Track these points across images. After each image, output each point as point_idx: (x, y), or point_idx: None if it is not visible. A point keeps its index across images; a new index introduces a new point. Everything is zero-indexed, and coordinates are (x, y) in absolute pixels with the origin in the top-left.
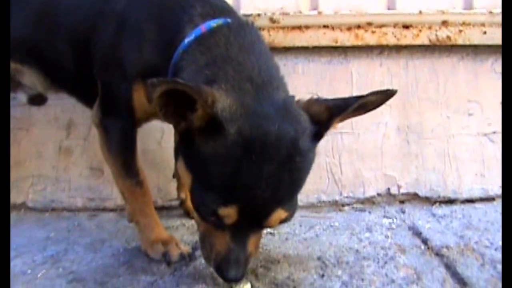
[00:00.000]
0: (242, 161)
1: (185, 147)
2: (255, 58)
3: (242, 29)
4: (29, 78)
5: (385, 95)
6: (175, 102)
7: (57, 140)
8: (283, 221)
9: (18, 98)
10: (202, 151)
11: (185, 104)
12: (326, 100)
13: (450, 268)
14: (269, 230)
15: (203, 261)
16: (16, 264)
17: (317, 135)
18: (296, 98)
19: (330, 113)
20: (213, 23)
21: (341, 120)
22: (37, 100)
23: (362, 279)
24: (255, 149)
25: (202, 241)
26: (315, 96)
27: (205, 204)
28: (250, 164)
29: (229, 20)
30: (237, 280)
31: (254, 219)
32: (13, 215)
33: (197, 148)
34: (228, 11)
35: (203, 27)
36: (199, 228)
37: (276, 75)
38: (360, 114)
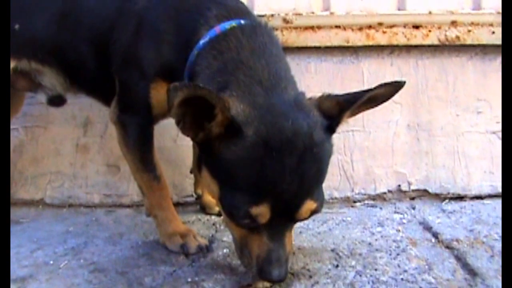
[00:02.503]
0: (264, 159)
1: (206, 156)
2: (265, 61)
3: (254, 31)
4: (49, 79)
5: (393, 87)
6: (192, 113)
7: (75, 138)
8: (314, 212)
9: (38, 99)
10: (224, 157)
11: (202, 114)
12: (336, 95)
13: (460, 259)
14: None
15: (220, 252)
16: (38, 256)
17: (330, 128)
18: (308, 96)
19: (340, 107)
20: (227, 25)
21: (353, 114)
22: (56, 101)
23: (376, 269)
24: (274, 145)
25: (240, 249)
26: (326, 93)
27: (236, 207)
28: (272, 161)
29: (242, 21)
30: (282, 280)
31: (286, 214)
32: (31, 211)
33: (218, 155)
34: (243, 12)
35: (218, 29)
36: (235, 236)
37: (285, 75)
38: (371, 107)
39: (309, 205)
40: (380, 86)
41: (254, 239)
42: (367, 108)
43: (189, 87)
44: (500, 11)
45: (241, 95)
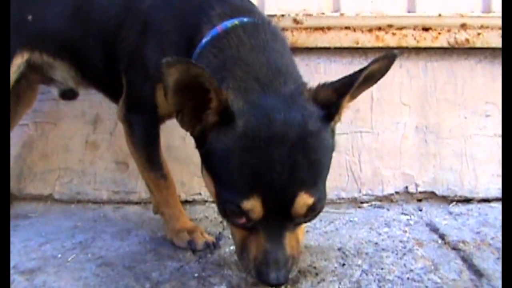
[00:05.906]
0: (252, 150)
1: (202, 152)
2: (264, 58)
3: (256, 29)
4: (60, 73)
5: (387, 60)
6: (191, 105)
7: (84, 135)
8: (312, 208)
9: (51, 94)
10: (215, 148)
11: (201, 106)
12: (332, 83)
13: (466, 260)
14: None
15: (227, 249)
16: (46, 249)
17: (328, 118)
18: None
19: (338, 93)
20: (229, 23)
21: (353, 97)
22: (69, 95)
23: (382, 268)
24: (263, 136)
25: (240, 253)
26: (321, 83)
27: (228, 202)
28: (261, 151)
29: (245, 19)
30: (280, 284)
31: (280, 210)
32: (40, 206)
33: (211, 147)
34: (247, 10)
35: (220, 28)
36: (236, 240)
37: (286, 70)
38: (371, 85)
39: (304, 198)
40: (374, 62)
41: (252, 241)
42: (366, 87)
43: (182, 62)
44: None
45: (236, 89)
